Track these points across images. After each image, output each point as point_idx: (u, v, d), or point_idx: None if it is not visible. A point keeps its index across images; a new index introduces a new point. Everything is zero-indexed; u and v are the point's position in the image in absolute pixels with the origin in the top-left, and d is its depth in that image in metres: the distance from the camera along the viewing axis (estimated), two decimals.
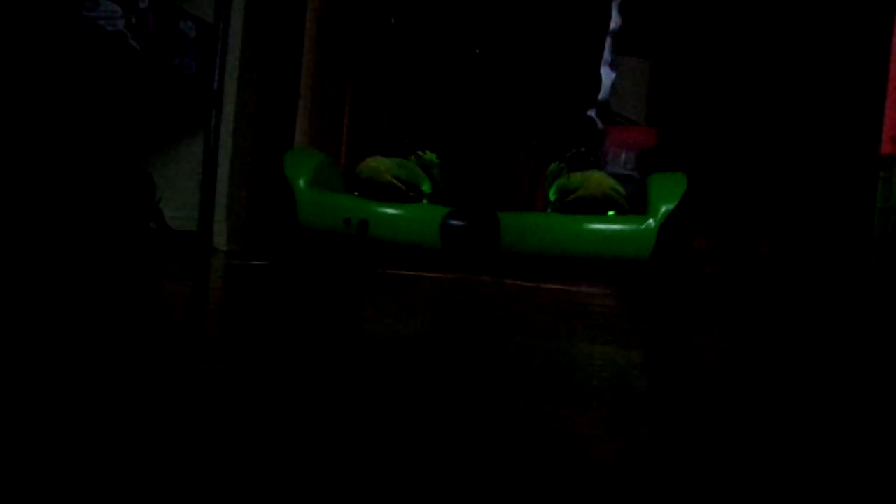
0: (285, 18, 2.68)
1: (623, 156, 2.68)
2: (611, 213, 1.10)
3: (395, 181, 1.16)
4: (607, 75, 1.33)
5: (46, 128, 1.75)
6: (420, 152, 1.29)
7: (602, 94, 1.33)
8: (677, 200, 1.06)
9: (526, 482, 0.24)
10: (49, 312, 0.57)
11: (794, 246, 2.21)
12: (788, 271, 2.17)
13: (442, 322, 0.73)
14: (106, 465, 0.24)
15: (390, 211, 1.13)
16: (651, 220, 1.04)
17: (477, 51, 1.40)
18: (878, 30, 1.99)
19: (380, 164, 1.18)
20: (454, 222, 1.10)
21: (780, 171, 2.30)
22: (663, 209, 1.04)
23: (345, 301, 0.81)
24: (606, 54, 1.28)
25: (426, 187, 1.25)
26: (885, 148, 1.89)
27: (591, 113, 1.26)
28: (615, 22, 1.30)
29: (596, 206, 1.09)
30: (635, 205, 1.11)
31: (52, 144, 1.61)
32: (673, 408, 0.39)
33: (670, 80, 2.81)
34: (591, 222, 1.07)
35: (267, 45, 2.43)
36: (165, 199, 1.95)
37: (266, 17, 2.35)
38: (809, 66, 2.25)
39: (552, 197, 1.20)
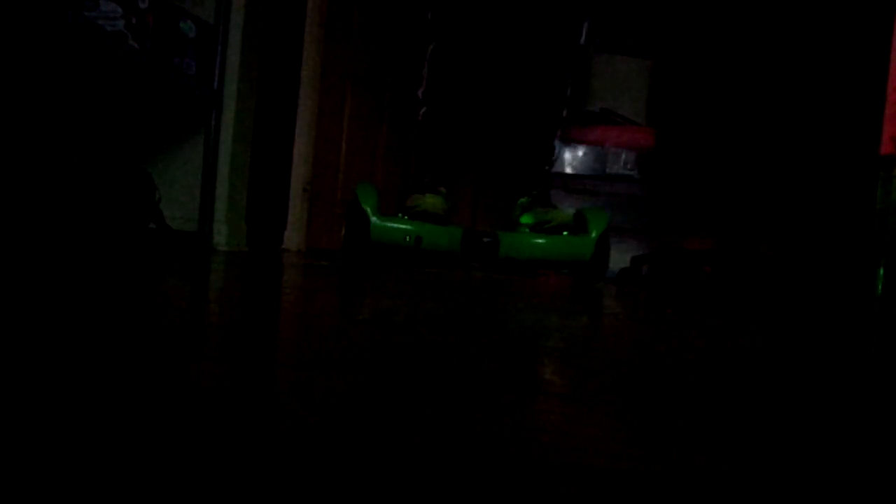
0: (285, 18, 2.68)
1: (623, 156, 2.69)
2: (565, 233, 1.72)
3: (440, 212, 1.79)
4: (558, 146, 2.08)
5: (46, 128, 1.75)
6: (440, 188, 1.86)
7: (555, 156, 2.00)
8: (605, 226, 1.68)
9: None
10: (53, 312, 0.57)
11: (794, 245, 2.21)
12: (788, 270, 2.17)
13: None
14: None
15: (433, 230, 1.72)
16: (591, 236, 1.65)
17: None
18: (878, 30, 1.99)
19: (434, 201, 1.81)
20: (470, 237, 1.66)
21: (780, 172, 2.30)
22: (595, 232, 1.66)
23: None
24: (558, 133, 2.00)
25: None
26: (885, 148, 1.89)
27: (547, 167, 1.99)
28: (564, 113, 1.99)
29: (560, 230, 1.74)
30: (579, 228, 1.71)
31: (53, 144, 1.61)
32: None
33: (670, 80, 2.81)
34: (557, 238, 1.70)
35: (267, 45, 2.43)
36: (165, 199, 1.94)
37: (266, 17, 2.35)
38: (809, 66, 2.25)
39: (526, 220, 1.80)
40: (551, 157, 2.01)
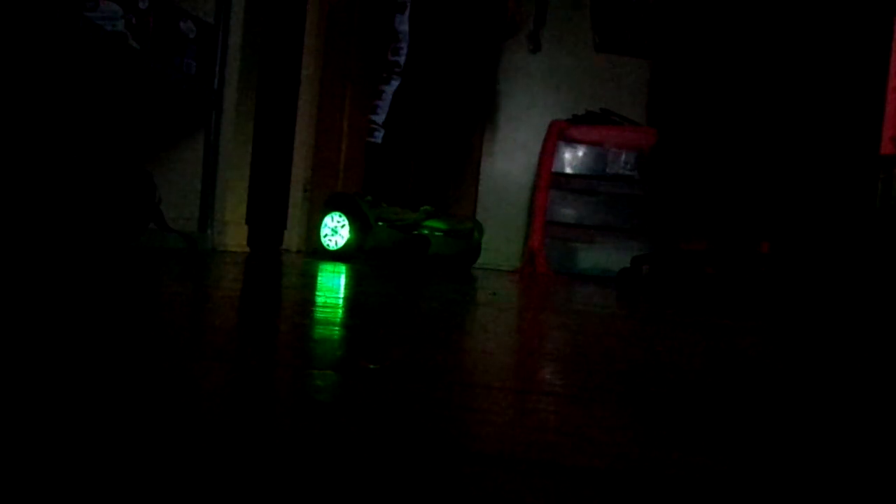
0: (285, 18, 2.68)
1: (623, 156, 2.69)
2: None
3: (412, 223, 2.48)
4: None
5: (46, 127, 1.74)
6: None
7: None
8: (483, 232, 2.59)
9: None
10: (54, 313, 0.57)
11: (794, 246, 2.21)
12: (788, 270, 2.17)
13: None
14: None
15: (400, 237, 2.43)
16: (476, 238, 2.53)
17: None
18: (878, 30, 1.99)
19: (414, 216, 2.47)
20: (411, 240, 2.41)
21: (780, 172, 2.30)
22: (477, 235, 2.54)
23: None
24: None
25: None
26: (885, 148, 1.89)
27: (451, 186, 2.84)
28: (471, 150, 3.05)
29: (463, 234, 2.51)
30: (471, 233, 2.54)
31: (53, 144, 1.61)
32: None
33: (670, 80, 2.81)
34: (463, 241, 2.51)
35: (267, 45, 2.43)
36: (166, 199, 1.94)
37: (266, 17, 2.35)
38: (809, 66, 2.25)
39: (438, 225, 2.47)
40: (452, 181, 2.88)
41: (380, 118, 2.44)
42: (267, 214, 2.66)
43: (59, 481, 0.22)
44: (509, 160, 3.04)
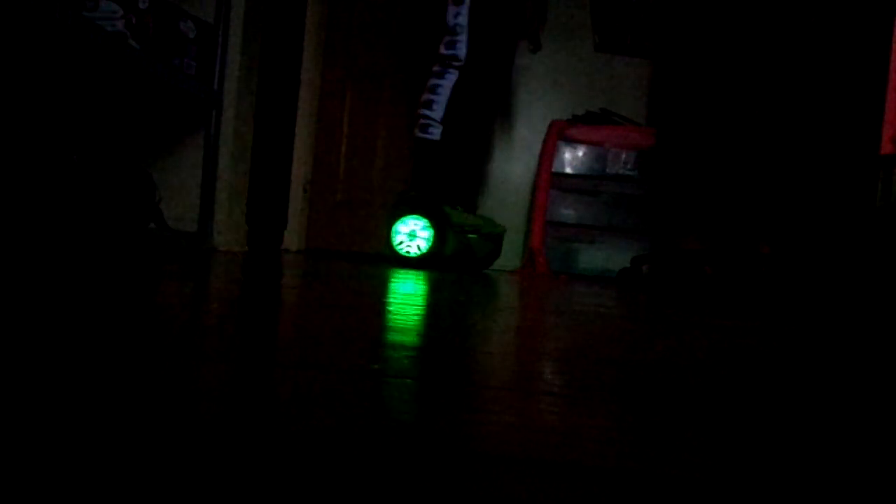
0: (285, 19, 2.68)
1: (623, 156, 2.69)
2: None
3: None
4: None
5: (46, 127, 1.74)
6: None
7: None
8: (503, 232, 2.55)
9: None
10: (54, 313, 0.57)
11: (794, 245, 2.21)
12: (788, 270, 2.17)
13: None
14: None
15: (464, 240, 2.40)
16: (500, 237, 2.50)
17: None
18: (878, 30, 1.99)
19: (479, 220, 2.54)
20: (462, 245, 2.36)
21: (780, 172, 2.30)
22: (499, 229, 2.48)
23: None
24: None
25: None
26: (885, 148, 1.89)
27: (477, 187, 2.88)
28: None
29: (495, 237, 2.49)
30: (500, 237, 2.53)
31: (52, 144, 1.61)
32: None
33: (670, 80, 2.81)
34: (491, 242, 2.47)
35: (267, 45, 2.43)
36: (165, 199, 1.94)
37: (266, 18, 2.35)
38: (810, 66, 2.25)
39: (458, 220, 2.36)
40: (479, 185, 2.98)
41: (436, 114, 2.32)
42: (267, 214, 2.66)
43: (60, 480, 0.22)
44: (509, 160, 3.04)
